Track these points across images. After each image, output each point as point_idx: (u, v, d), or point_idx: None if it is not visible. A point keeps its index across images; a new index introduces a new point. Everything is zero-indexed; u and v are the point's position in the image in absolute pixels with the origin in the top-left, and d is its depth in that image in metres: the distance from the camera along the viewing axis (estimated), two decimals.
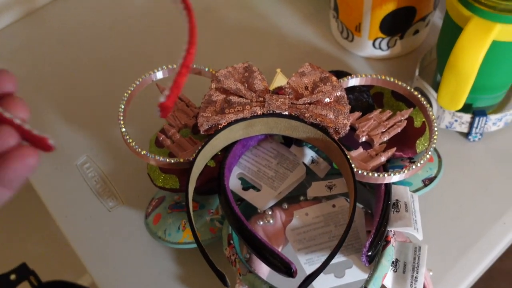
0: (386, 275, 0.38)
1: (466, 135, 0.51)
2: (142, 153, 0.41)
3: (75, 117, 0.58)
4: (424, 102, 0.44)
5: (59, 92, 0.61)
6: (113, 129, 0.56)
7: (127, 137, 0.42)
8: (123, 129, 0.42)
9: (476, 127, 0.49)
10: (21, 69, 0.63)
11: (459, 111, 0.48)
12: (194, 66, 0.47)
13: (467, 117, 0.49)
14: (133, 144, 0.42)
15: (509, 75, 0.46)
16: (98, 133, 0.56)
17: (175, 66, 0.46)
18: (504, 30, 0.40)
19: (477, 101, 0.49)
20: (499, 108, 0.52)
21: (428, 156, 0.41)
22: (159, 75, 0.46)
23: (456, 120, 0.49)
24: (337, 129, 0.41)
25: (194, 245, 0.42)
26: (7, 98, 0.27)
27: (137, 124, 0.52)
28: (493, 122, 0.49)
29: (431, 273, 0.42)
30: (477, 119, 0.48)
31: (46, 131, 0.56)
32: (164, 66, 0.46)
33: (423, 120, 0.45)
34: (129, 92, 0.45)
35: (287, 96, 0.42)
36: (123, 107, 0.44)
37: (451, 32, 0.44)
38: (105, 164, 0.53)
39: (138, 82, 0.45)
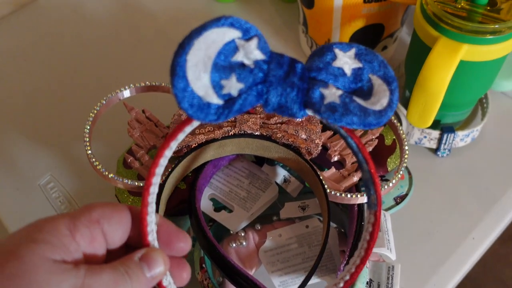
0: None
1: (435, 151, 0.51)
2: (110, 176, 0.40)
3: (38, 135, 0.56)
4: (395, 121, 0.44)
5: (20, 109, 0.58)
6: (78, 147, 0.54)
7: (93, 159, 0.41)
8: (89, 152, 0.41)
9: (445, 143, 0.50)
10: None
11: (428, 127, 0.49)
12: (163, 84, 0.45)
13: (435, 133, 0.49)
14: (100, 167, 0.40)
15: (476, 93, 0.47)
16: (62, 151, 0.54)
17: (142, 84, 0.45)
18: (471, 50, 0.41)
19: (445, 117, 0.49)
20: (465, 124, 0.53)
21: (399, 175, 0.41)
22: (126, 93, 0.45)
23: (425, 137, 0.50)
24: (309, 149, 0.41)
25: None
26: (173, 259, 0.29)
27: (104, 143, 0.51)
28: (460, 138, 0.50)
29: None
30: (445, 135, 0.49)
31: (7, 149, 0.54)
32: (131, 85, 0.45)
33: (394, 137, 0.46)
34: (95, 112, 0.43)
35: (258, 116, 0.42)
36: (88, 127, 0.42)
37: (419, 51, 0.45)
38: (70, 183, 0.51)
39: (104, 102, 0.44)
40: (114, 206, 0.27)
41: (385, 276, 0.39)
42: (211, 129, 0.41)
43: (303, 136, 0.41)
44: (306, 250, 0.41)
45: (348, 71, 0.26)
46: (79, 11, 0.69)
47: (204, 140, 0.40)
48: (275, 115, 0.42)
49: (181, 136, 0.27)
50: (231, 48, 0.25)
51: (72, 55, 0.63)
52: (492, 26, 0.39)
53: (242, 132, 0.41)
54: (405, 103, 0.49)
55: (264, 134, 0.41)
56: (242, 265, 0.40)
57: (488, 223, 0.48)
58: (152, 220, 0.28)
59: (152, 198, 0.28)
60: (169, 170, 0.39)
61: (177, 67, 0.24)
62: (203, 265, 0.40)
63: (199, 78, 0.24)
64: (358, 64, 0.27)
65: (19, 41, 0.65)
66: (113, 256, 0.27)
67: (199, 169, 0.42)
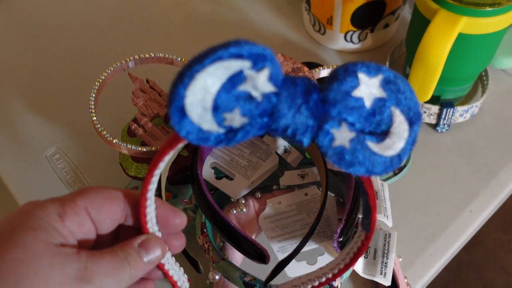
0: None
1: (434, 126, 0.52)
2: (114, 141, 0.41)
3: (44, 107, 0.57)
4: None
5: (27, 82, 0.59)
6: (83, 120, 0.55)
7: (98, 125, 0.42)
8: (94, 118, 0.42)
9: (444, 119, 0.50)
10: None
11: (428, 102, 0.49)
12: (167, 55, 0.46)
13: (435, 108, 0.50)
14: (105, 133, 0.41)
15: (475, 68, 0.48)
16: (67, 124, 0.55)
17: (147, 55, 0.46)
18: (470, 23, 0.41)
19: (445, 93, 0.50)
20: (465, 100, 0.53)
21: None
22: (131, 64, 0.46)
23: (424, 112, 0.51)
24: None
25: None
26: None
27: (109, 114, 0.52)
28: (460, 114, 0.51)
29: (400, 259, 0.43)
30: (444, 110, 0.50)
31: (14, 122, 0.55)
32: (136, 56, 0.46)
33: None
34: (100, 80, 0.44)
35: None
36: (94, 96, 0.43)
37: (419, 25, 0.45)
38: (75, 154, 0.53)
39: (109, 71, 0.45)
40: (105, 197, 0.28)
41: (382, 242, 0.40)
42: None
43: None
44: (305, 217, 0.42)
45: (368, 102, 0.23)
46: None
47: None
48: None
49: (171, 153, 0.26)
50: (237, 79, 0.22)
51: (77, 29, 0.64)
52: None
53: None
54: (406, 79, 0.49)
55: None
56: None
57: (485, 197, 0.48)
58: (151, 211, 0.28)
59: (151, 193, 0.28)
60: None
61: (175, 100, 0.22)
62: (204, 230, 0.41)
63: (199, 115, 0.22)
64: (382, 94, 0.23)
65: (27, 17, 0.66)
66: (104, 238, 0.28)
67: None
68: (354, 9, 0.53)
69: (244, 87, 0.22)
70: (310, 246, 0.41)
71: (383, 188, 0.42)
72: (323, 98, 0.23)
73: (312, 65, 0.48)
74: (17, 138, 0.55)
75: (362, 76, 0.23)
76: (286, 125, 0.23)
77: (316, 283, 0.32)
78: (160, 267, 0.30)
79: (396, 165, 0.24)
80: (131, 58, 0.46)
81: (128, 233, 0.29)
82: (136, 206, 0.29)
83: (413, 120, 0.23)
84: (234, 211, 0.42)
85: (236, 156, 0.44)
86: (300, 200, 0.43)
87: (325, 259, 0.40)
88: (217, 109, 0.22)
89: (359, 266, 0.39)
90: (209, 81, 0.22)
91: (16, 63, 0.62)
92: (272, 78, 0.23)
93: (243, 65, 0.22)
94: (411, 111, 0.23)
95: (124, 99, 0.51)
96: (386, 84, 0.23)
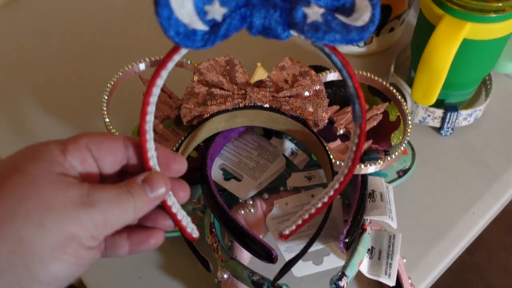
0: (362, 261, 0.40)
1: (439, 129, 0.53)
2: None
3: (55, 108, 0.58)
4: (399, 97, 0.46)
5: (39, 83, 0.60)
6: (93, 120, 0.56)
7: (111, 127, 0.43)
8: (107, 120, 0.43)
9: (448, 122, 0.51)
10: (0, 58, 0.63)
11: (432, 106, 0.50)
12: None
13: (439, 112, 0.51)
14: (117, 134, 0.42)
15: (479, 72, 0.49)
16: (78, 124, 0.56)
17: (157, 58, 0.47)
18: (474, 28, 0.42)
19: (449, 97, 0.51)
20: (469, 104, 0.54)
21: (402, 148, 0.43)
22: (142, 66, 0.47)
23: (429, 115, 0.51)
24: (316, 121, 0.43)
25: (177, 234, 0.43)
26: (173, 181, 0.30)
27: (119, 115, 0.53)
28: (463, 117, 0.51)
29: (404, 260, 0.44)
30: (448, 114, 0.50)
31: (25, 121, 0.56)
32: (146, 58, 0.47)
33: (398, 114, 0.47)
34: (112, 83, 0.45)
35: (268, 89, 0.44)
36: (106, 97, 0.44)
37: (425, 30, 0.46)
38: None
39: (120, 74, 0.46)
40: (105, 135, 0.29)
41: (386, 244, 0.41)
42: (222, 100, 0.43)
43: (310, 109, 0.43)
44: None
45: None
46: None
47: (215, 111, 0.42)
48: (284, 88, 0.44)
49: (170, 65, 0.28)
50: None
51: (89, 31, 0.65)
52: (496, 5, 0.41)
53: (252, 104, 0.43)
54: (411, 83, 0.50)
55: (273, 106, 0.43)
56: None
57: (489, 199, 0.49)
58: (151, 146, 0.29)
59: (149, 126, 0.29)
60: (182, 138, 0.41)
61: None
62: (213, 230, 0.42)
63: (182, 6, 0.24)
64: None
65: (40, 17, 0.67)
66: (108, 182, 0.29)
67: (211, 139, 0.44)
68: None
69: None
70: (316, 246, 0.42)
71: (388, 190, 0.43)
72: None
73: (319, 69, 0.49)
74: (29, 137, 0.56)
75: None
76: (262, 13, 0.26)
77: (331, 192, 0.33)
78: (167, 208, 0.30)
79: (369, 31, 0.26)
80: (142, 61, 0.47)
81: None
82: (137, 147, 0.29)
83: None
84: (242, 212, 0.43)
85: (244, 157, 0.45)
86: (307, 202, 0.43)
87: (331, 260, 0.41)
88: (198, 1, 0.25)
89: (364, 267, 0.40)
90: None
91: (29, 63, 0.63)
92: None
93: None
94: None
95: (134, 100, 0.52)
96: None
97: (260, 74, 0.48)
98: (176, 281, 0.44)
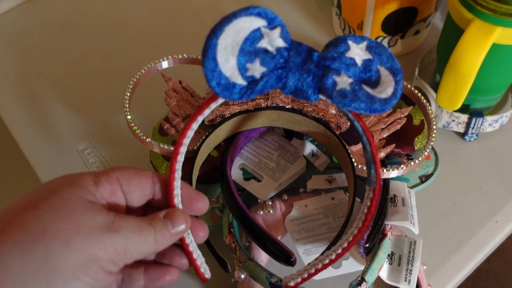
0: (382, 266, 0.39)
1: (463, 135, 0.52)
2: (147, 140, 0.42)
3: (77, 103, 0.58)
4: (424, 101, 0.45)
5: (61, 78, 0.61)
6: (115, 116, 0.56)
7: (132, 124, 0.43)
8: (129, 117, 0.43)
9: (473, 128, 0.50)
10: (24, 54, 0.64)
11: (457, 111, 0.49)
12: (199, 57, 0.47)
13: (464, 117, 0.50)
14: (139, 131, 0.42)
15: (507, 78, 0.47)
16: (99, 120, 0.56)
17: (180, 56, 0.47)
18: (504, 33, 0.41)
19: (475, 102, 0.50)
20: (495, 110, 0.53)
21: (426, 153, 0.42)
22: (165, 64, 0.47)
23: (453, 120, 0.50)
24: (338, 124, 0.42)
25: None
26: (194, 220, 0.33)
27: (140, 112, 0.53)
28: (489, 123, 0.50)
29: (424, 267, 0.43)
30: (473, 119, 0.49)
31: (47, 115, 0.57)
32: (169, 56, 0.47)
33: (422, 118, 0.46)
34: (135, 80, 0.45)
35: None
36: (128, 94, 0.44)
37: (452, 33, 0.45)
38: (106, 150, 0.54)
39: (143, 71, 0.46)
40: (136, 171, 0.31)
41: (407, 250, 0.41)
42: (244, 100, 0.42)
43: (333, 111, 0.42)
44: (331, 221, 0.42)
45: (359, 61, 0.29)
46: None
47: (237, 110, 0.42)
48: None
49: (207, 112, 0.30)
50: (256, 35, 0.28)
51: (112, 28, 0.66)
52: None
53: (274, 105, 0.42)
54: (435, 87, 0.49)
55: (295, 107, 0.43)
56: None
57: None
58: (178, 185, 0.31)
59: (178, 166, 0.31)
60: (203, 137, 0.41)
61: (208, 50, 0.27)
62: (231, 230, 0.42)
63: (227, 61, 0.27)
64: (368, 56, 0.30)
65: (63, 14, 0.68)
66: (133, 214, 0.31)
67: (231, 139, 0.43)
68: (386, 15, 0.53)
69: (261, 43, 0.28)
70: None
71: (410, 195, 0.43)
72: (323, 57, 0.29)
73: None
74: (53, 130, 0.56)
75: (351, 42, 0.30)
76: (296, 75, 0.28)
77: (339, 250, 0.34)
78: (184, 246, 0.32)
79: (391, 104, 0.29)
80: (165, 58, 0.47)
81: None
82: (164, 183, 0.31)
83: (396, 72, 0.30)
84: (261, 212, 0.43)
85: (264, 158, 0.45)
86: (327, 204, 0.43)
87: (349, 264, 0.41)
88: (242, 57, 0.27)
89: (384, 272, 0.39)
90: (236, 30, 0.27)
91: (52, 59, 0.63)
92: (283, 36, 0.29)
93: (261, 23, 0.28)
94: (393, 67, 0.30)
95: (155, 98, 0.52)
96: (370, 48, 0.30)
97: None
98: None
